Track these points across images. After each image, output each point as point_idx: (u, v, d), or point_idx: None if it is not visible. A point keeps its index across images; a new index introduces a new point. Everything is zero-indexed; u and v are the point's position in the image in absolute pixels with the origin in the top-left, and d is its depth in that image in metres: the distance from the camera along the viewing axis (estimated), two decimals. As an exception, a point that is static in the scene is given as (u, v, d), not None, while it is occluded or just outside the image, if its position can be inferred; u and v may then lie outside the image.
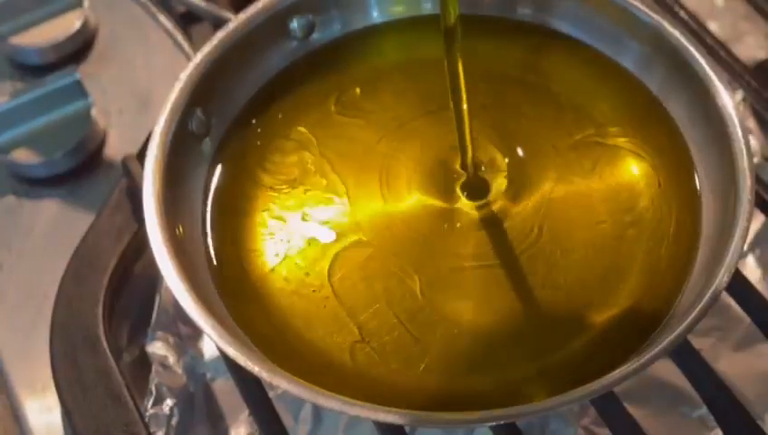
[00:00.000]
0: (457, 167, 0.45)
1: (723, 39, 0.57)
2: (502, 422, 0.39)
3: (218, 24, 0.52)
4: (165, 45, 0.59)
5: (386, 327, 0.41)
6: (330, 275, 0.43)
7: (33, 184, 0.54)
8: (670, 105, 0.46)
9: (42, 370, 0.45)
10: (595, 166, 0.45)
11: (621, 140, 0.46)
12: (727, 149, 0.42)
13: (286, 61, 0.49)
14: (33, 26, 0.58)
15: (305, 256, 0.43)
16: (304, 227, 0.44)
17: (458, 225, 0.44)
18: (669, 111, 0.46)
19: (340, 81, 0.49)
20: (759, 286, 0.45)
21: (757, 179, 0.46)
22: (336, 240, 0.44)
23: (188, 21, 0.61)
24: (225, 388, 0.46)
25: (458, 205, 0.44)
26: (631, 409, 0.41)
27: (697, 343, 0.43)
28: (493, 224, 0.44)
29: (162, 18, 0.60)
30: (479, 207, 0.44)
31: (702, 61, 0.44)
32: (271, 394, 0.43)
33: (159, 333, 0.48)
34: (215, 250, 0.44)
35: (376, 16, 0.50)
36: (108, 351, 0.44)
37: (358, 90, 0.48)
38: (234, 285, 0.43)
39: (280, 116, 0.48)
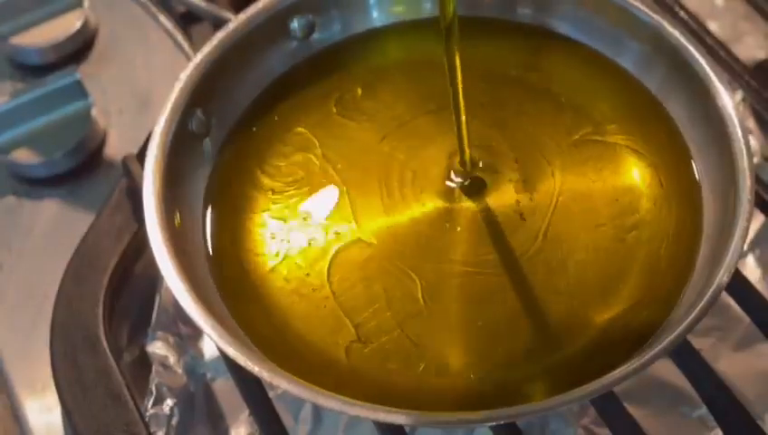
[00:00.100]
0: (457, 165, 0.45)
1: (723, 39, 0.57)
2: (502, 422, 0.39)
3: (218, 24, 0.52)
4: (165, 45, 0.59)
5: (385, 327, 0.41)
6: (330, 276, 0.43)
7: (33, 184, 0.54)
8: (670, 105, 0.46)
9: (42, 370, 0.45)
10: (595, 166, 0.45)
11: (621, 141, 0.46)
12: (727, 149, 0.42)
13: (286, 61, 0.49)
14: (34, 26, 0.58)
15: (305, 256, 0.43)
16: (304, 228, 0.44)
17: (459, 225, 0.44)
18: (669, 112, 0.46)
19: (341, 81, 0.49)
20: (759, 286, 0.45)
21: (757, 179, 0.46)
22: (336, 240, 0.44)
23: (188, 21, 0.61)
24: (225, 388, 0.46)
25: (458, 205, 0.44)
26: (631, 409, 0.41)
27: (697, 342, 0.43)
28: (493, 224, 0.44)
29: (162, 18, 0.60)
30: (479, 208, 0.44)
31: (702, 61, 0.44)
32: (271, 394, 0.43)
33: (160, 333, 0.48)
34: (215, 250, 0.44)
35: (376, 17, 0.50)
36: (108, 351, 0.44)
37: (358, 90, 0.49)
38: (234, 285, 0.43)
39: (280, 116, 0.48)
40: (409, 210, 0.44)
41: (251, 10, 0.48)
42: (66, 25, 0.59)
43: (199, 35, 0.60)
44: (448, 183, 0.45)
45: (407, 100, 0.48)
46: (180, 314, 0.47)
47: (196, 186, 0.45)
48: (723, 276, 0.38)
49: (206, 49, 0.46)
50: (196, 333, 0.48)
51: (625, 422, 0.41)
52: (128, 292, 0.49)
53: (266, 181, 0.46)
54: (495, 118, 0.47)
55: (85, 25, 0.59)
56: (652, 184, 0.44)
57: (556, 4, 0.49)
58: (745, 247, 0.49)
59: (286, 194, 0.45)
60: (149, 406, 0.45)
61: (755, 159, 0.48)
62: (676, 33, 0.45)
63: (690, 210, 0.43)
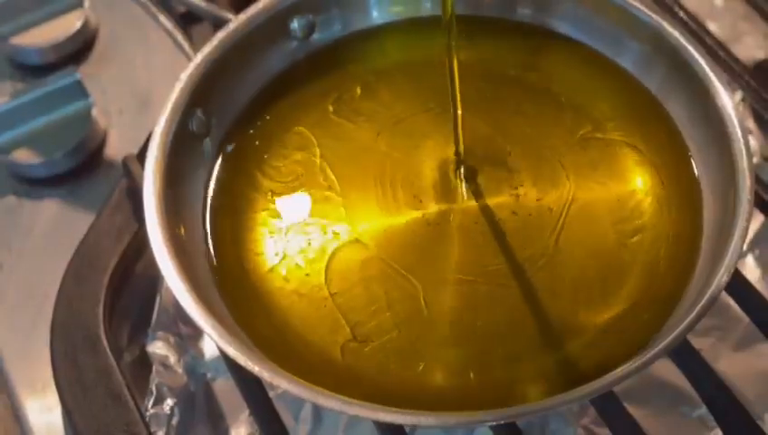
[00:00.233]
0: (457, 165, 0.45)
1: (722, 39, 0.57)
2: (502, 422, 0.39)
3: (218, 24, 0.52)
4: (165, 45, 0.59)
5: (385, 327, 0.41)
6: (329, 276, 0.43)
7: (33, 184, 0.54)
8: (670, 105, 0.46)
9: (42, 369, 0.45)
10: (595, 166, 0.45)
11: (621, 141, 0.46)
12: (727, 149, 0.42)
13: (286, 61, 0.49)
14: (34, 26, 0.58)
15: (305, 255, 0.43)
16: (304, 227, 0.44)
17: (458, 225, 0.44)
18: (669, 111, 0.46)
19: (341, 81, 0.49)
20: (758, 286, 0.45)
21: (757, 179, 0.46)
22: (336, 240, 0.44)
23: (189, 21, 0.61)
24: (225, 388, 0.46)
25: (458, 205, 0.44)
26: (631, 408, 0.41)
27: (697, 342, 0.43)
28: (492, 223, 0.44)
29: (162, 18, 0.60)
30: (478, 207, 0.44)
31: (701, 61, 0.44)
32: (271, 394, 0.43)
33: (160, 333, 0.48)
34: (215, 250, 0.44)
35: (376, 16, 0.50)
36: (108, 350, 0.45)
37: (358, 90, 0.49)
38: (234, 285, 0.43)
39: (280, 116, 0.48)
40: (408, 211, 0.44)
41: (251, 10, 0.48)
42: (66, 25, 0.59)
43: (199, 35, 0.60)
44: (448, 183, 0.45)
45: (407, 100, 0.48)
46: (180, 314, 0.47)
47: (196, 186, 0.45)
48: (722, 276, 0.38)
49: (207, 49, 0.46)
50: (197, 332, 0.48)
51: (625, 422, 0.41)
52: (128, 292, 0.49)
53: (266, 181, 0.46)
54: (495, 118, 0.47)
55: (85, 25, 0.59)
56: (652, 184, 0.45)
57: (556, 3, 0.49)
58: (745, 247, 0.49)
59: (286, 194, 0.45)
60: (150, 406, 0.45)
61: (755, 159, 0.48)
62: (675, 34, 0.45)
63: (690, 210, 0.43)
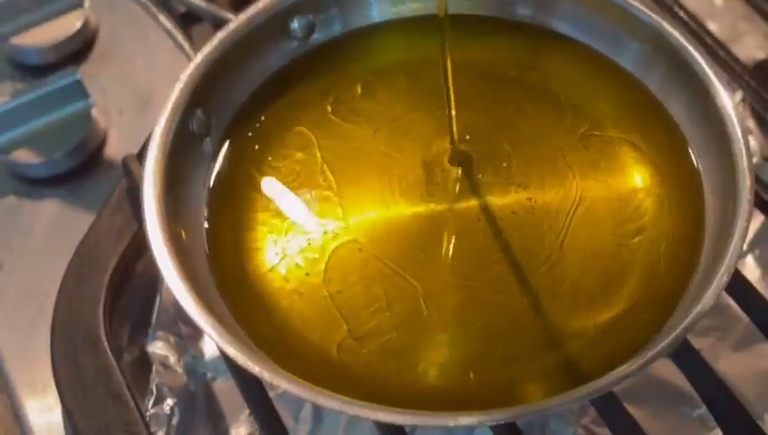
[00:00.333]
0: (457, 165, 0.45)
1: (722, 39, 0.57)
2: (502, 422, 0.39)
3: (218, 24, 0.52)
4: (165, 45, 0.59)
5: (385, 327, 0.41)
6: (329, 275, 0.43)
7: (33, 184, 0.54)
8: (670, 105, 0.46)
9: (42, 369, 0.45)
10: (595, 166, 0.45)
11: (621, 141, 0.46)
12: (727, 149, 0.42)
13: (286, 61, 0.49)
14: (34, 26, 0.58)
15: (305, 255, 0.43)
16: (304, 227, 0.44)
17: (458, 225, 0.44)
18: (669, 111, 0.46)
19: (341, 80, 0.49)
20: (758, 286, 0.45)
21: (757, 179, 0.46)
22: (335, 240, 0.44)
23: (189, 21, 0.61)
24: (225, 388, 0.46)
25: (458, 205, 0.44)
26: (631, 409, 0.41)
27: (697, 342, 0.43)
28: (492, 223, 0.44)
29: (162, 18, 0.60)
30: (478, 207, 0.44)
31: (701, 61, 0.44)
32: (271, 394, 0.43)
33: (160, 333, 0.48)
34: (215, 250, 0.44)
35: (376, 16, 0.50)
36: (108, 350, 0.45)
37: (358, 89, 0.49)
38: (234, 285, 0.43)
39: (280, 116, 0.48)
40: (408, 210, 0.44)
41: (251, 10, 0.48)
42: (66, 25, 0.59)
43: (199, 35, 0.60)
44: (448, 184, 0.45)
45: (407, 99, 0.48)
46: (180, 314, 0.47)
47: (196, 186, 0.45)
48: (722, 276, 0.38)
49: (207, 49, 0.46)
50: (197, 332, 0.48)
51: (625, 422, 0.41)
52: (128, 292, 0.49)
53: (266, 181, 0.46)
54: (495, 117, 0.47)
55: (85, 26, 0.59)
56: (653, 184, 0.45)
57: (556, 3, 0.49)
58: (745, 247, 0.49)
59: (286, 193, 0.45)
60: (150, 406, 0.46)
61: (755, 159, 0.48)
62: (675, 34, 0.45)
63: (690, 210, 0.43)
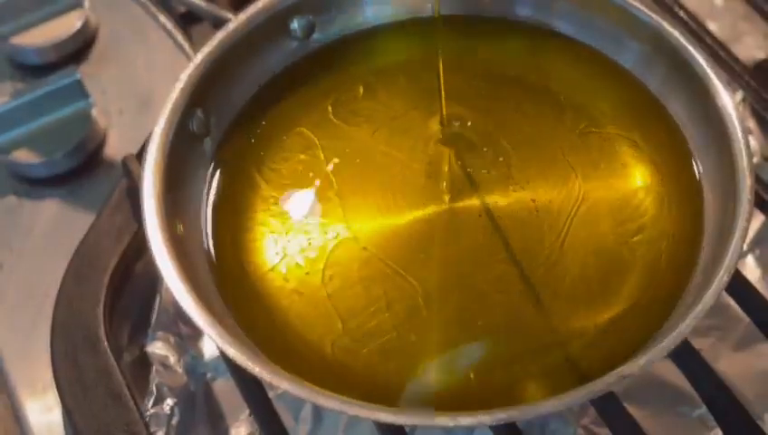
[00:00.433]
0: (454, 163, 0.45)
1: (722, 39, 0.57)
2: (502, 423, 0.39)
3: (218, 24, 0.52)
4: (165, 45, 0.59)
5: (385, 328, 0.41)
6: (329, 275, 0.43)
7: (33, 184, 0.54)
8: (670, 105, 0.46)
9: (42, 369, 0.45)
10: (595, 166, 0.45)
11: (622, 140, 0.46)
12: (727, 149, 0.42)
13: (286, 61, 0.49)
14: (34, 26, 0.58)
15: (305, 255, 0.43)
16: (303, 227, 0.44)
17: (458, 225, 0.44)
18: (669, 111, 0.46)
19: (341, 80, 0.49)
20: (758, 286, 0.45)
21: (757, 179, 0.46)
22: (335, 240, 0.44)
23: (188, 21, 0.61)
24: (225, 388, 0.46)
25: (458, 204, 0.44)
26: (631, 409, 0.41)
27: (697, 342, 0.43)
28: (492, 223, 0.44)
29: (162, 18, 0.60)
30: (478, 207, 0.44)
31: (702, 61, 0.44)
32: (271, 394, 0.43)
33: (160, 333, 0.48)
34: (214, 250, 0.44)
35: (376, 16, 0.50)
36: (108, 350, 0.44)
37: (358, 89, 0.49)
38: (233, 285, 0.43)
39: (280, 116, 0.48)
40: (408, 210, 0.44)
41: (251, 10, 0.47)
42: (66, 25, 0.59)
43: (199, 35, 0.60)
44: (448, 183, 0.45)
45: (407, 99, 0.48)
46: (180, 314, 0.47)
47: (195, 186, 0.45)
48: (723, 276, 0.38)
49: (206, 49, 0.46)
50: (197, 332, 0.48)
51: (625, 422, 0.41)
52: (128, 292, 0.49)
53: (265, 181, 0.46)
54: (495, 117, 0.47)
55: (85, 25, 0.59)
56: (653, 183, 0.45)
57: (556, 3, 0.49)
58: (745, 247, 0.49)
59: (285, 194, 0.45)
60: (150, 406, 0.46)
61: (755, 159, 0.48)
62: (675, 34, 0.45)
63: (690, 210, 0.43)
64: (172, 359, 0.47)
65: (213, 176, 0.46)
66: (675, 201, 0.44)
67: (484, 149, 0.46)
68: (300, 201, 0.45)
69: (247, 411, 0.45)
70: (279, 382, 0.37)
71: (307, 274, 0.43)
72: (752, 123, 0.54)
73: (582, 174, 0.45)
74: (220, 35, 0.47)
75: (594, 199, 0.44)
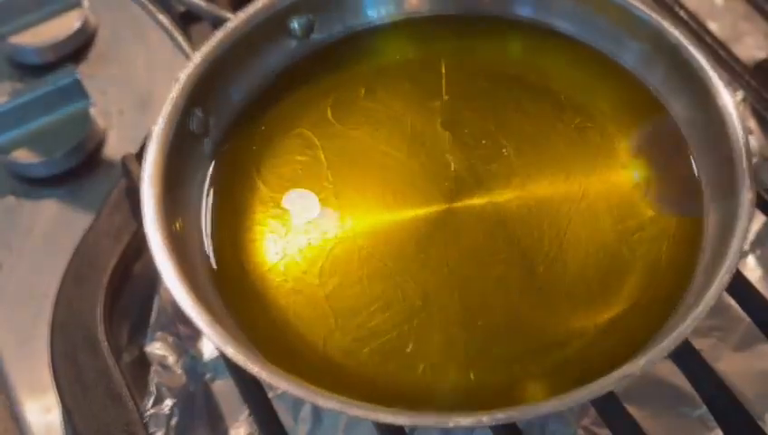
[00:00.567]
0: (454, 163, 0.45)
1: (722, 39, 0.57)
2: (502, 423, 0.39)
3: (218, 23, 0.52)
4: (164, 45, 0.59)
5: (385, 328, 0.41)
6: (328, 275, 0.43)
7: (32, 184, 0.54)
8: (670, 105, 0.46)
9: (42, 370, 0.45)
10: (595, 165, 0.45)
11: (621, 140, 0.46)
12: (727, 149, 0.42)
13: (286, 60, 0.49)
14: (33, 26, 0.58)
15: (304, 255, 0.43)
16: (303, 227, 0.44)
17: (458, 225, 0.44)
18: (669, 111, 0.46)
19: (341, 80, 0.49)
20: (759, 286, 0.45)
21: (757, 179, 0.46)
22: (335, 239, 0.44)
23: (188, 20, 0.61)
24: (224, 388, 0.46)
25: (458, 204, 0.44)
26: (631, 409, 0.41)
27: (698, 343, 0.43)
28: (492, 223, 0.44)
29: (162, 18, 0.60)
30: (478, 206, 0.44)
31: (702, 61, 0.44)
32: (270, 394, 0.43)
33: (159, 334, 0.48)
34: (213, 250, 0.44)
35: (375, 16, 0.50)
36: (108, 351, 0.44)
37: (358, 89, 0.48)
38: (232, 285, 0.43)
39: (279, 116, 0.48)
40: (407, 210, 0.44)
41: (250, 9, 0.47)
42: (66, 25, 0.59)
43: (199, 35, 0.59)
44: (448, 183, 0.45)
45: (407, 99, 0.48)
46: (179, 315, 0.47)
47: (194, 186, 0.45)
48: (723, 276, 0.38)
49: (206, 48, 0.46)
50: (196, 333, 0.48)
51: (625, 423, 0.41)
52: (127, 292, 0.49)
53: (264, 181, 0.46)
54: (495, 116, 0.47)
55: (84, 25, 0.59)
56: (653, 183, 0.44)
57: (556, 2, 0.49)
58: (746, 247, 0.49)
59: (284, 193, 0.45)
60: (149, 406, 0.45)
61: (755, 159, 0.48)
62: (676, 33, 0.45)
63: (691, 210, 0.43)
64: (171, 359, 0.47)
65: (212, 176, 0.46)
66: (675, 201, 0.44)
67: (485, 149, 0.46)
68: (299, 201, 0.45)
69: (247, 412, 0.45)
70: (278, 383, 0.37)
71: (306, 274, 0.43)
72: (752, 123, 0.54)
73: (582, 173, 0.45)
74: (219, 35, 0.47)
75: (594, 199, 0.44)
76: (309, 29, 0.49)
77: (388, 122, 0.47)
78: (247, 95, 0.48)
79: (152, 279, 0.49)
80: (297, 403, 0.45)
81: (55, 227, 0.53)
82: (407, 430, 0.41)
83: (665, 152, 0.45)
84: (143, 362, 0.47)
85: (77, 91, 0.55)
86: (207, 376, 0.47)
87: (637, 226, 0.43)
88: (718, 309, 0.46)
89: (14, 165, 0.54)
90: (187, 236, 0.43)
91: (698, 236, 0.42)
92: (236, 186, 0.45)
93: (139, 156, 0.49)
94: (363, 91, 0.48)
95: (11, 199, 0.54)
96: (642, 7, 0.46)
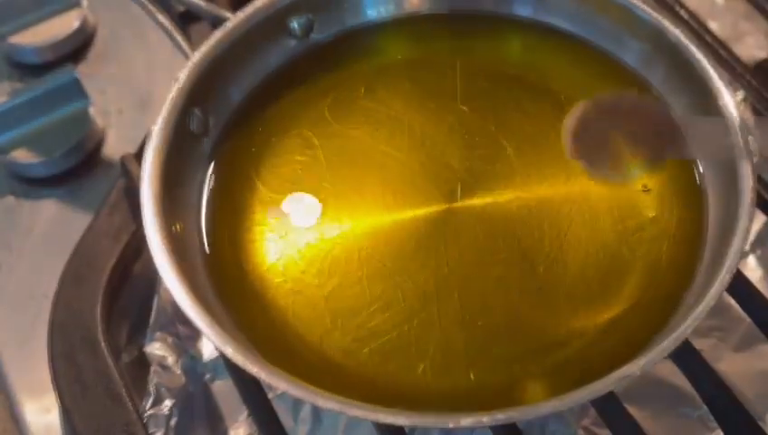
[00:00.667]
0: (454, 163, 0.45)
1: (723, 38, 0.57)
2: (502, 423, 0.39)
3: (217, 23, 0.52)
4: (164, 45, 0.59)
5: (384, 328, 0.41)
6: (328, 275, 0.43)
7: (32, 184, 0.54)
8: (671, 104, 0.46)
9: (41, 370, 0.45)
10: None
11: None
12: (728, 149, 0.42)
13: (285, 60, 0.49)
14: (32, 26, 0.58)
15: (303, 255, 0.43)
16: (302, 227, 0.44)
17: (457, 225, 0.44)
18: (670, 111, 0.46)
19: (340, 79, 0.49)
20: (760, 286, 0.45)
21: (758, 179, 0.46)
22: (334, 240, 0.44)
23: (187, 20, 0.61)
24: (224, 388, 0.46)
25: (458, 204, 0.44)
26: (631, 409, 0.41)
27: (698, 343, 0.43)
28: (492, 223, 0.44)
29: (161, 17, 0.60)
30: (478, 206, 0.44)
31: (703, 60, 0.44)
32: (270, 395, 0.43)
33: (158, 334, 0.48)
34: (213, 250, 0.44)
35: (375, 15, 0.50)
36: (107, 351, 0.44)
37: (358, 89, 0.48)
38: (232, 285, 0.43)
39: (279, 115, 0.48)
40: (407, 210, 0.44)
41: (249, 9, 0.47)
42: (65, 25, 0.59)
43: (198, 35, 0.59)
44: (448, 183, 0.45)
45: (406, 98, 0.48)
46: (179, 315, 0.47)
47: (194, 185, 0.45)
48: (724, 277, 0.38)
49: (205, 48, 0.46)
50: (195, 333, 0.48)
51: (625, 423, 0.40)
52: (126, 292, 0.49)
53: (265, 180, 0.46)
54: (495, 116, 0.47)
55: (84, 25, 0.59)
56: (653, 184, 0.44)
57: (557, 1, 0.49)
58: (746, 248, 0.49)
59: (283, 194, 0.45)
60: (148, 406, 0.45)
61: (755, 159, 0.47)
62: (676, 33, 0.45)
63: (691, 210, 0.43)
64: (170, 359, 0.47)
65: (211, 175, 0.46)
66: (676, 202, 0.44)
67: (485, 149, 0.46)
68: (298, 201, 0.45)
69: (246, 412, 0.45)
70: (278, 383, 0.37)
71: (306, 274, 0.43)
72: (752, 123, 0.54)
73: (583, 174, 0.45)
74: (219, 34, 0.46)
75: (594, 199, 0.44)
76: (308, 29, 0.49)
77: (388, 122, 0.47)
78: (247, 95, 0.48)
79: (151, 279, 0.49)
80: (297, 404, 0.45)
81: (54, 227, 0.53)
82: (406, 430, 0.41)
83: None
84: (142, 363, 0.47)
85: (76, 91, 0.55)
86: (207, 376, 0.47)
87: (637, 226, 0.43)
88: (718, 309, 0.46)
89: (14, 165, 0.54)
90: (187, 236, 0.43)
91: (698, 237, 0.42)
92: (236, 186, 0.45)
93: (139, 156, 0.49)
94: (363, 91, 0.48)
95: (10, 199, 0.54)
96: (643, 6, 0.46)
